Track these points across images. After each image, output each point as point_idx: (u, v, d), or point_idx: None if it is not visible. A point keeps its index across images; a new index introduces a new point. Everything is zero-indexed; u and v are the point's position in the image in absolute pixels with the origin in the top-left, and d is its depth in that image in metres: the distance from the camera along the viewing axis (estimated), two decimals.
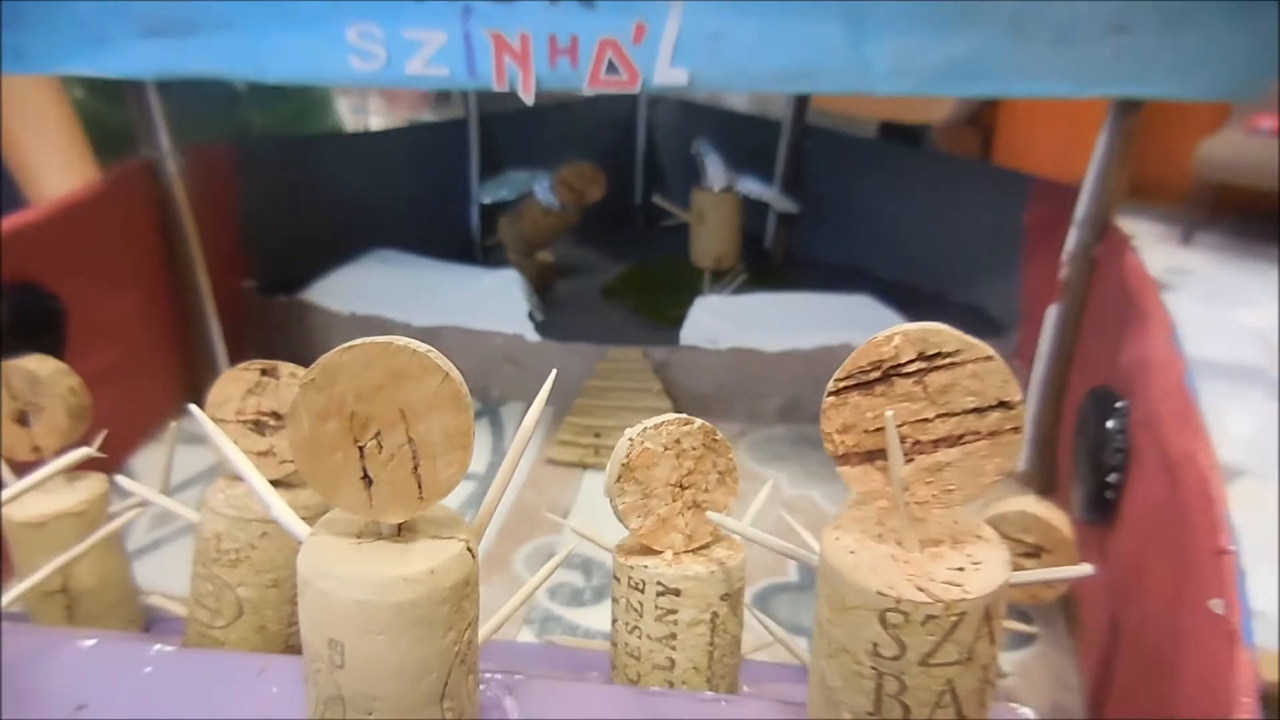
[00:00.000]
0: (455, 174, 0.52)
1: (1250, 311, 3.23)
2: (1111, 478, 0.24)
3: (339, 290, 0.45)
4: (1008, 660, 0.28)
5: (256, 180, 0.44)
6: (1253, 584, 0.16)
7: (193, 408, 0.16)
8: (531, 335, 0.41)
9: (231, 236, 0.43)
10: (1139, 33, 0.28)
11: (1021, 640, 0.28)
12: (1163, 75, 0.29)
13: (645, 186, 0.58)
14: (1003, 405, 0.12)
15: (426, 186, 0.51)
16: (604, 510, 0.18)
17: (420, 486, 0.13)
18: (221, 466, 0.26)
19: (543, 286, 0.47)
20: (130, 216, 0.36)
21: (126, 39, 0.32)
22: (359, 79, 0.32)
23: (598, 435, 0.38)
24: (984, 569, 0.13)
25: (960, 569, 0.13)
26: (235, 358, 0.41)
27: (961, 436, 0.13)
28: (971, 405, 0.12)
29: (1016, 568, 0.23)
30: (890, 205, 0.47)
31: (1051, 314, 0.34)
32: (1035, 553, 0.22)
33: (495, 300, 0.44)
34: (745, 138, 0.49)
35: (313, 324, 0.44)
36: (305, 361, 0.36)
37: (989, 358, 0.12)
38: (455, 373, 0.13)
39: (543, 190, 0.46)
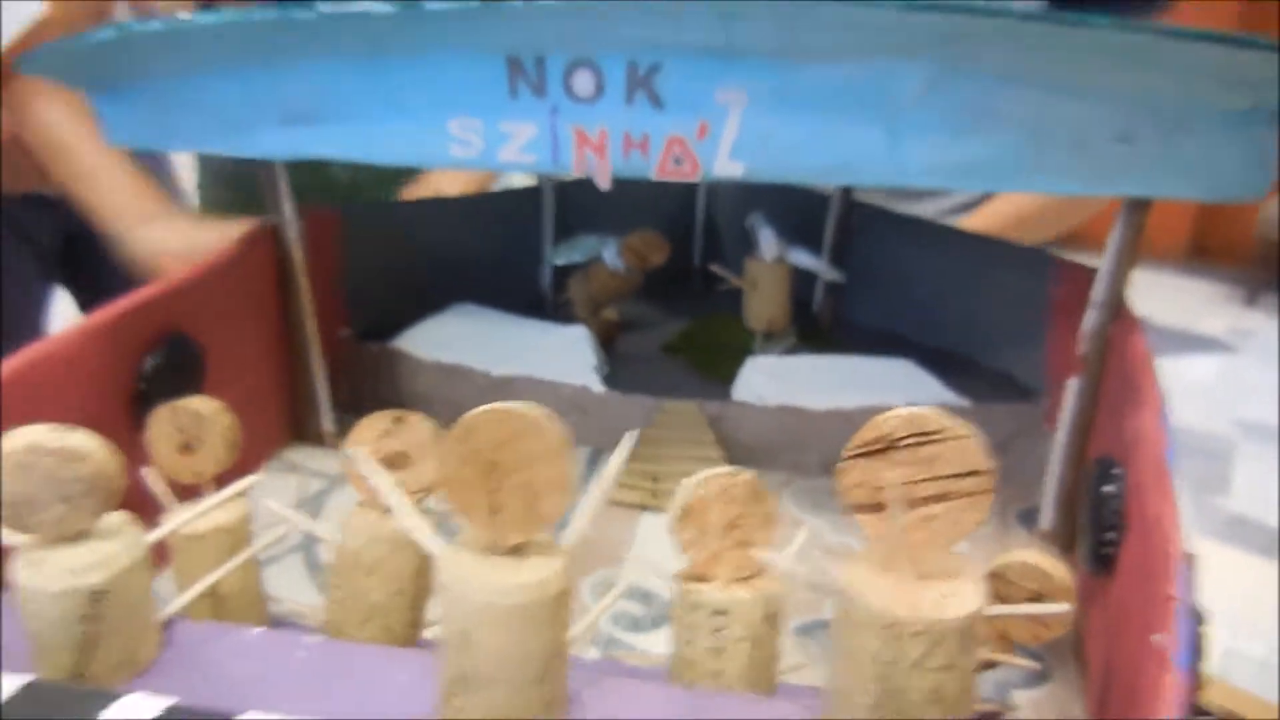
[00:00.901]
0: (531, 237, 0.57)
1: None
2: (1108, 535, 0.28)
3: (425, 339, 0.49)
4: (1022, 697, 0.31)
5: (357, 240, 0.49)
6: None
7: (353, 450, 0.21)
8: (597, 387, 0.45)
9: (334, 290, 0.48)
10: (1143, 141, 0.32)
11: (1035, 679, 0.31)
12: (1166, 177, 0.32)
13: (703, 253, 0.63)
14: (975, 473, 0.16)
15: (505, 248, 0.56)
16: (659, 546, 0.22)
17: (533, 516, 0.17)
18: (309, 495, 0.31)
19: (608, 342, 0.51)
20: (256, 273, 0.41)
21: (264, 126, 0.37)
22: (457, 163, 0.37)
23: (655, 480, 0.42)
24: (962, 598, 0.16)
25: (944, 597, 0.16)
26: (335, 397, 0.46)
27: (945, 494, 0.16)
28: (952, 472, 0.16)
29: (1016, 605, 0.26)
30: (929, 277, 0.51)
31: (1072, 387, 0.37)
32: (1036, 598, 0.26)
33: (565, 354, 0.48)
34: (796, 211, 0.53)
35: (401, 369, 0.49)
36: (393, 401, 0.41)
37: (965, 436, 0.16)
38: (562, 433, 0.18)
39: (610, 254, 0.51)
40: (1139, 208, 0.35)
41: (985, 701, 0.29)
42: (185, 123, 0.38)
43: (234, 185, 0.87)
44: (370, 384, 0.50)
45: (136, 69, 0.36)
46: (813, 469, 0.44)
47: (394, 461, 0.23)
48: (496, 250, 0.56)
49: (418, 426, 0.24)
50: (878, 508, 0.17)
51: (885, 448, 0.17)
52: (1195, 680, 0.22)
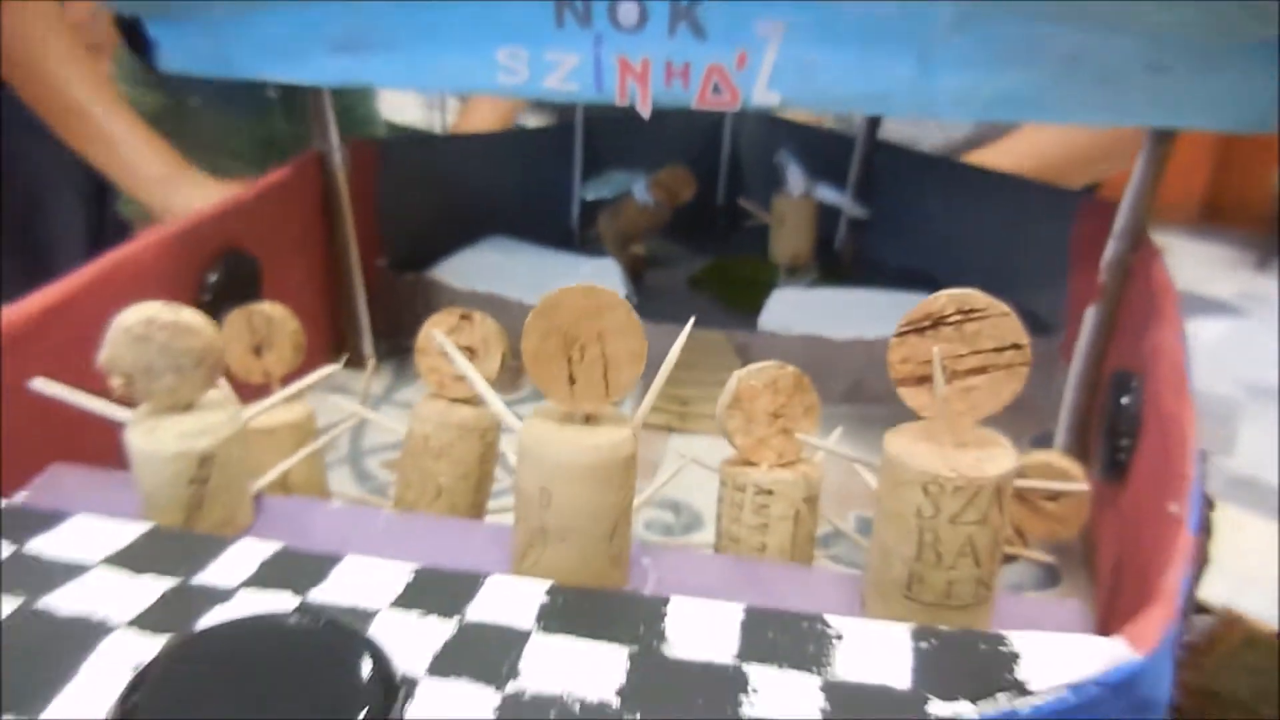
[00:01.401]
0: (561, 172, 0.58)
1: None
2: (1123, 443, 0.29)
3: (459, 270, 0.51)
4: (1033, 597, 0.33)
5: (392, 172, 0.51)
6: None
7: (437, 333, 0.22)
8: None
9: (371, 220, 0.50)
10: (1174, 72, 0.33)
11: (1046, 580, 0.33)
12: (1195, 109, 0.34)
13: (728, 189, 0.64)
14: (1015, 346, 0.18)
15: (536, 183, 0.58)
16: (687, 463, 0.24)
17: (608, 387, 0.19)
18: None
19: (635, 276, 0.53)
20: (304, 198, 0.43)
21: (314, 55, 0.38)
22: (503, 91, 0.38)
23: (684, 404, 0.44)
24: (996, 461, 0.18)
25: (980, 460, 0.18)
26: (373, 321, 0.48)
27: (985, 368, 0.18)
28: (993, 346, 0.18)
29: (1038, 506, 0.28)
30: (951, 215, 0.52)
31: (1090, 314, 0.39)
32: (1054, 496, 0.28)
33: (595, 282, 0.50)
34: (822, 150, 0.54)
35: (436, 298, 0.50)
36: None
37: (1006, 314, 0.18)
38: (634, 311, 0.19)
39: (640, 190, 0.52)
40: (1163, 140, 0.36)
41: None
42: (239, 51, 0.39)
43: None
44: (406, 312, 0.51)
45: (213, 54, 0.38)
46: (835, 396, 0.45)
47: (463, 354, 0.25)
48: (528, 185, 0.57)
49: (482, 323, 0.25)
50: (922, 380, 0.19)
51: (933, 324, 0.18)
52: (1202, 556, 0.24)
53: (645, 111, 0.37)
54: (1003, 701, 0.15)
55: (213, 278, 0.35)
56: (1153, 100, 0.33)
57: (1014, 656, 0.15)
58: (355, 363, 0.48)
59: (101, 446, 0.23)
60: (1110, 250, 0.38)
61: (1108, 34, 0.33)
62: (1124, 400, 0.30)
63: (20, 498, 0.23)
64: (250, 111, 0.73)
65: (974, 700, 0.15)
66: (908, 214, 0.54)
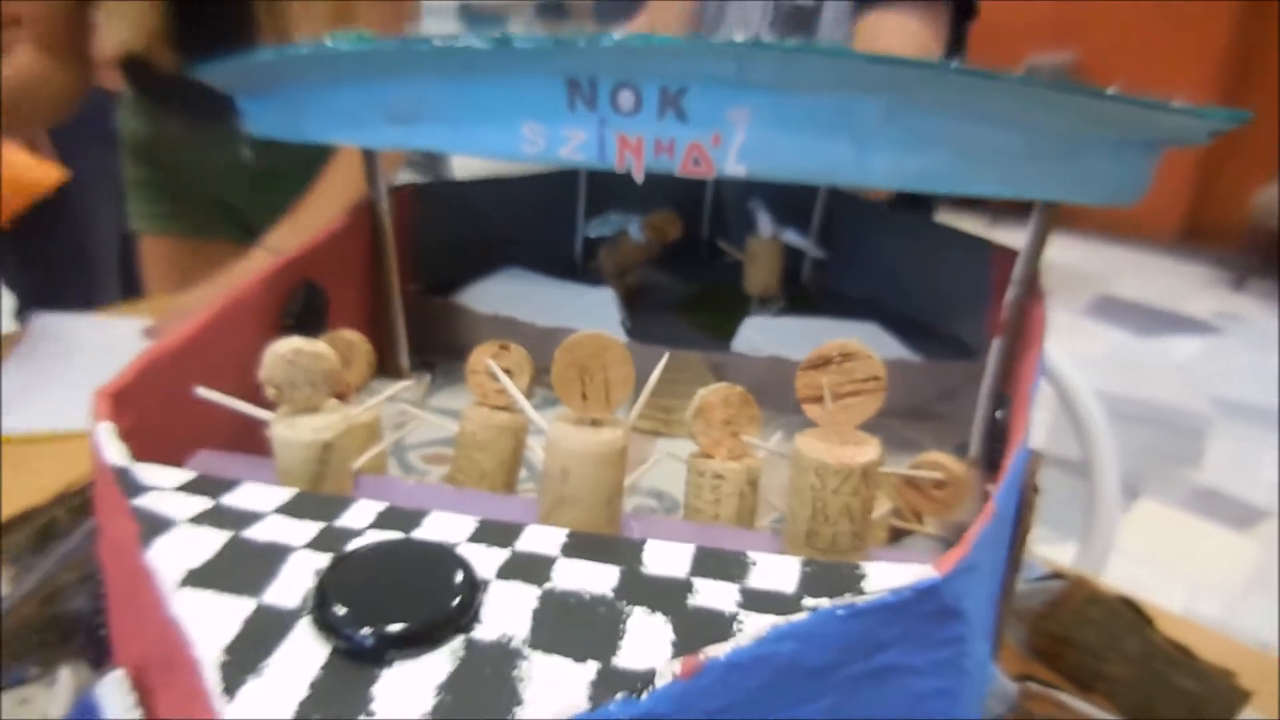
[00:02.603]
0: (567, 213, 0.67)
1: None
2: (998, 446, 0.39)
3: (480, 295, 0.60)
4: None
5: (426, 212, 0.60)
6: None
7: (489, 360, 0.32)
8: (622, 338, 0.56)
9: (406, 251, 0.59)
10: (1052, 159, 0.42)
11: (940, 551, 0.42)
12: (1070, 187, 0.43)
13: (710, 230, 0.73)
14: (875, 378, 0.27)
15: (546, 222, 0.67)
16: (669, 460, 0.33)
17: (608, 401, 0.28)
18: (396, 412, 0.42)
19: (629, 302, 0.62)
20: (358, 236, 0.52)
21: (374, 123, 0.47)
22: (526, 157, 0.47)
23: (668, 412, 0.53)
24: (865, 453, 0.27)
25: (854, 453, 0.27)
26: (410, 340, 0.57)
27: (857, 391, 0.27)
28: (862, 377, 0.27)
29: (924, 491, 0.37)
30: (896, 257, 0.62)
31: (995, 345, 0.48)
32: (941, 483, 0.37)
33: (595, 311, 0.59)
34: (789, 198, 0.63)
35: (460, 320, 0.60)
36: (453, 346, 0.53)
37: (870, 357, 0.27)
38: (626, 350, 0.28)
39: (635, 230, 0.61)
40: (1047, 209, 0.45)
41: None
42: (312, 120, 0.48)
43: (152, 164, 1.06)
44: (434, 332, 0.60)
45: (280, 78, 0.47)
46: (792, 408, 0.54)
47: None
48: (539, 223, 0.66)
49: (516, 351, 0.35)
50: (818, 400, 0.28)
51: (825, 363, 0.28)
52: (1025, 525, 0.34)
53: (639, 178, 0.46)
54: (848, 598, 0.24)
55: (294, 307, 0.44)
56: (1036, 179, 0.43)
57: (862, 576, 0.25)
58: (394, 373, 0.57)
59: (211, 439, 0.32)
60: (1009, 293, 0.47)
61: (1000, 128, 0.42)
62: (998, 414, 0.39)
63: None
64: (222, 137, 0.86)
65: (830, 597, 0.24)
66: (860, 254, 0.64)
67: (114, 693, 0.26)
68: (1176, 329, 3.24)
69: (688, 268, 0.69)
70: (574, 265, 0.68)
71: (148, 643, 0.25)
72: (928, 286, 0.60)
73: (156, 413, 0.33)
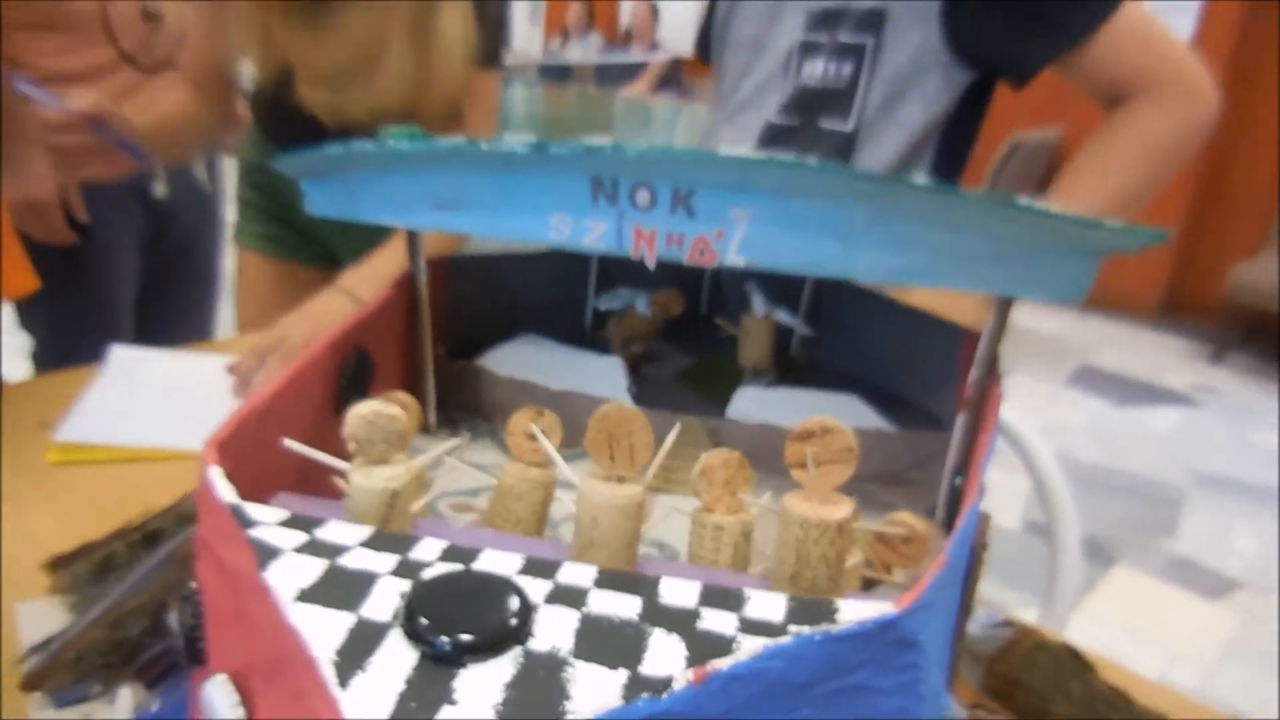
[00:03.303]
0: (579, 288, 0.74)
1: (1272, 435, 3.33)
2: (954, 508, 0.45)
3: (499, 360, 0.67)
4: None
5: (454, 282, 0.66)
6: (1251, 693, 0.34)
7: (532, 426, 0.38)
8: (628, 403, 0.63)
9: (435, 317, 0.66)
10: (1010, 261, 0.49)
11: None
12: (1025, 285, 0.49)
13: (708, 307, 0.80)
14: (848, 449, 0.33)
15: (559, 294, 0.74)
16: (674, 515, 0.39)
17: (632, 462, 0.34)
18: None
19: (634, 370, 0.69)
20: (398, 306, 0.58)
21: (420, 208, 0.54)
22: (553, 244, 0.54)
23: (669, 471, 0.59)
24: (840, 511, 0.33)
25: (830, 511, 0.33)
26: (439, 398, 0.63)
27: (834, 460, 0.33)
28: (839, 448, 0.33)
29: (893, 546, 0.43)
30: (877, 335, 0.69)
31: (959, 420, 0.54)
32: (907, 540, 0.43)
33: (604, 377, 0.65)
34: (781, 281, 0.70)
35: (481, 381, 0.66)
36: (475, 406, 0.60)
37: (844, 431, 0.33)
38: (646, 420, 0.35)
39: (641, 305, 0.68)
40: (1005, 303, 0.52)
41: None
42: (366, 203, 0.55)
43: (259, 190, 1.19)
44: (457, 392, 0.66)
45: (343, 167, 0.54)
46: (781, 470, 0.60)
47: (533, 434, 0.41)
48: (553, 296, 0.73)
49: (549, 417, 0.41)
50: (803, 465, 0.34)
51: (808, 436, 0.34)
52: (974, 577, 0.40)
53: (651, 265, 0.53)
54: (824, 627, 0.30)
55: (349, 370, 0.50)
56: (996, 278, 0.49)
57: (836, 610, 0.31)
58: (422, 429, 0.63)
59: (282, 482, 0.38)
60: (972, 374, 0.54)
61: (965, 235, 0.49)
62: (957, 481, 0.45)
63: None
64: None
65: (810, 626, 0.30)
66: (844, 333, 0.70)
67: (219, 693, 0.32)
68: (1155, 400, 3.32)
69: (688, 341, 0.75)
70: (583, 334, 0.75)
71: (254, 650, 0.31)
72: (903, 364, 0.66)
73: (245, 460, 0.39)
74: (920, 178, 0.50)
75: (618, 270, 0.74)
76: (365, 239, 0.94)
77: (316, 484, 0.46)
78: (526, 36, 6.56)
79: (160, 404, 0.82)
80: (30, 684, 0.49)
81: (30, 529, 0.65)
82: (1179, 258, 3.95)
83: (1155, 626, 2.06)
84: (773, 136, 0.89)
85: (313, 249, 1.24)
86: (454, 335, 0.67)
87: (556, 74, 5.19)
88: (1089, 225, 0.43)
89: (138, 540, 0.56)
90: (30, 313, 1.51)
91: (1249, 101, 3.72)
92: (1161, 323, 4.10)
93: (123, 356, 0.93)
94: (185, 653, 0.36)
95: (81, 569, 0.56)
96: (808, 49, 0.86)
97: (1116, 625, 2.04)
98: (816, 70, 0.84)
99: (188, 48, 1.06)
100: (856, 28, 0.82)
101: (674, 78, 4.84)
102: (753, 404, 0.63)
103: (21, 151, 1.38)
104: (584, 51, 5.69)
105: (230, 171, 1.56)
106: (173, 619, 0.37)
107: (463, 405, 0.66)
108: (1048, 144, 3.88)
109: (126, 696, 0.50)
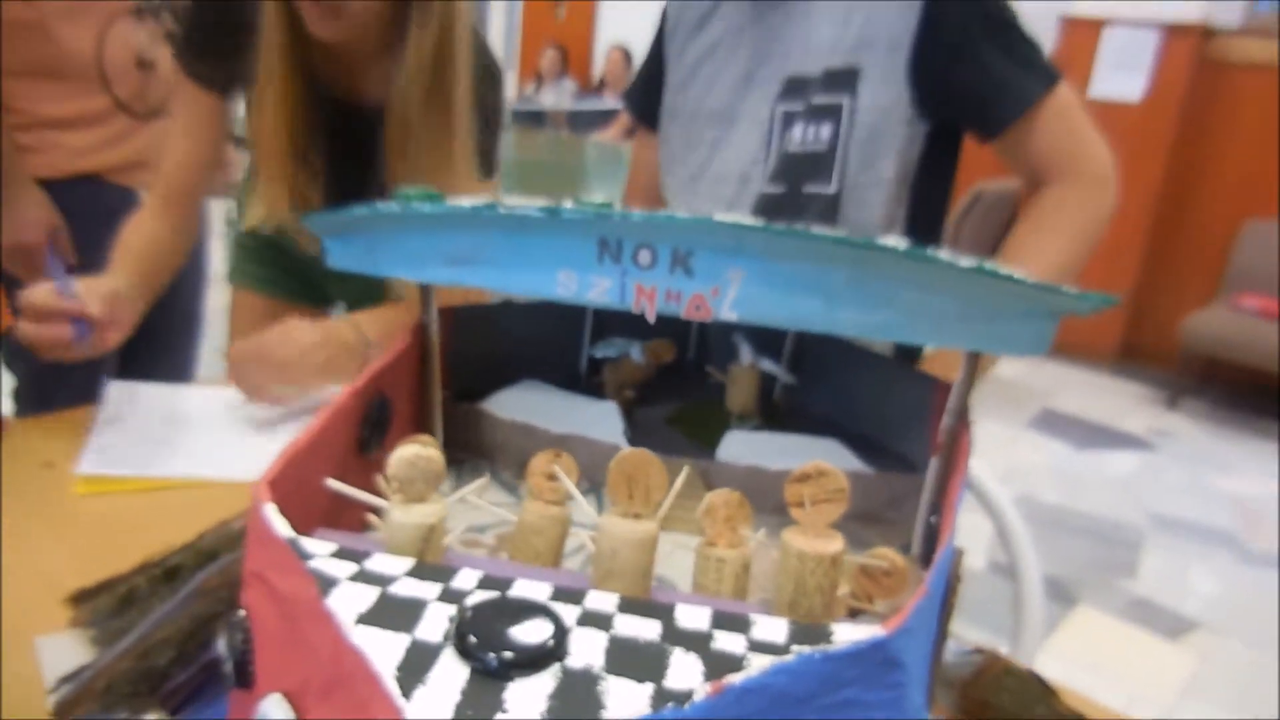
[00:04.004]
0: (576, 337, 0.79)
1: (1227, 478, 3.43)
2: (932, 545, 0.49)
3: (501, 404, 0.70)
4: None
5: (460, 330, 0.70)
6: None
7: (555, 467, 0.42)
8: (624, 445, 0.67)
9: (442, 363, 0.69)
10: (976, 320, 0.54)
11: None
12: (990, 341, 0.54)
13: (698, 355, 0.85)
14: (840, 489, 0.38)
15: (558, 343, 0.78)
16: (667, 549, 0.43)
17: (648, 501, 0.38)
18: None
19: (628, 414, 0.73)
20: (412, 353, 0.62)
21: (435, 264, 0.58)
22: (561, 298, 0.58)
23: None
24: (833, 546, 0.38)
25: (824, 545, 0.38)
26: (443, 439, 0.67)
27: (828, 499, 0.38)
28: (832, 489, 0.38)
29: (875, 579, 0.48)
30: (854, 384, 0.74)
31: (932, 464, 0.59)
32: (888, 573, 0.47)
33: (601, 422, 0.69)
34: (766, 332, 0.75)
35: (485, 424, 0.70)
36: (478, 445, 0.64)
37: (836, 474, 0.38)
38: (662, 464, 0.39)
39: (636, 352, 0.72)
40: (973, 357, 0.57)
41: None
42: (383, 258, 0.59)
43: (262, 262, 1.23)
44: (463, 434, 0.70)
45: (364, 225, 0.58)
46: (767, 508, 0.65)
47: (553, 475, 0.45)
48: (553, 344, 0.77)
49: (566, 458, 0.45)
50: (800, 504, 0.38)
51: (805, 478, 0.38)
52: (949, 607, 0.44)
53: (651, 318, 0.57)
54: (822, 646, 0.34)
55: (371, 415, 0.54)
56: (964, 335, 0.54)
57: (831, 632, 0.35)
58: None
59: (316, 517, 0.42)
60: (944, 421, 0.59)
61: (936, 296, 0.54)
62: (932, 520, 0.50)
63: None
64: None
65: (810, 646, 0.34)
66: (824, 381, 0.75)
67: (276, 709, 0.35)
68: (1114, 444, 3.41)
69: (679, 387, 0.80)
70: (579, 379, 0.79)
71: (310, 670, 0.35)
72: (879, 410, 0.71)
73: (290, 496, 0.42)
74: (896, 241, 0.55)
75: (611, 320, 0.79)
76: (357, 280, 0.99)
77: (339, 517, 0.49)
78: None
79: (171, 436, 0.85)
80: (60, 712, 0.51)
81: (42, 565, 0.68)
82: (1135, 306, 4.08)
83: (1117, 665, 2.12)
84: (763, 207, 0.93)
85: (305, 289, 1.28)
86: (459, 380, 0.71)
87: (530, 119, 5.28)
88: (1048, 290, 0.49)
89: (159, 575, 0.59)
90: (14, 352, 1.52)
91: (1198, 160, 3.89)
92: (1119, 368, 4.22)
93: (121, 391, 0.95)
94: (235, 675, 0.39)
95: (103, 603, 0.59)
96: (788, 118, 0.91)
97: (1079, 664, 2.09)
98: (795, 135, 0.89)
99: (160, 168, 1.08)
100: (831, 88, 0.87)
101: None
102: (740, 447, 0.67)
103: (14, 194, 1.40)
104: (557, 96, 5.79)
105: (217, 212, 1.59)
106: (221, 644, 0.40)
107: (466, 446, 0.69)
108: (1008, 195, 4.00)
109: None
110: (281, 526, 0.37)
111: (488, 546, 0.56)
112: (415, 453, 0.38)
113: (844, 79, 0.87)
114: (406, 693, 0.30)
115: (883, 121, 0.87)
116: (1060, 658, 2.10)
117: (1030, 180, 0.88)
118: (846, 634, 0.34)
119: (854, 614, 0.47)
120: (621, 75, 5.52)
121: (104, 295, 0.88)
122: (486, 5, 6.60)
